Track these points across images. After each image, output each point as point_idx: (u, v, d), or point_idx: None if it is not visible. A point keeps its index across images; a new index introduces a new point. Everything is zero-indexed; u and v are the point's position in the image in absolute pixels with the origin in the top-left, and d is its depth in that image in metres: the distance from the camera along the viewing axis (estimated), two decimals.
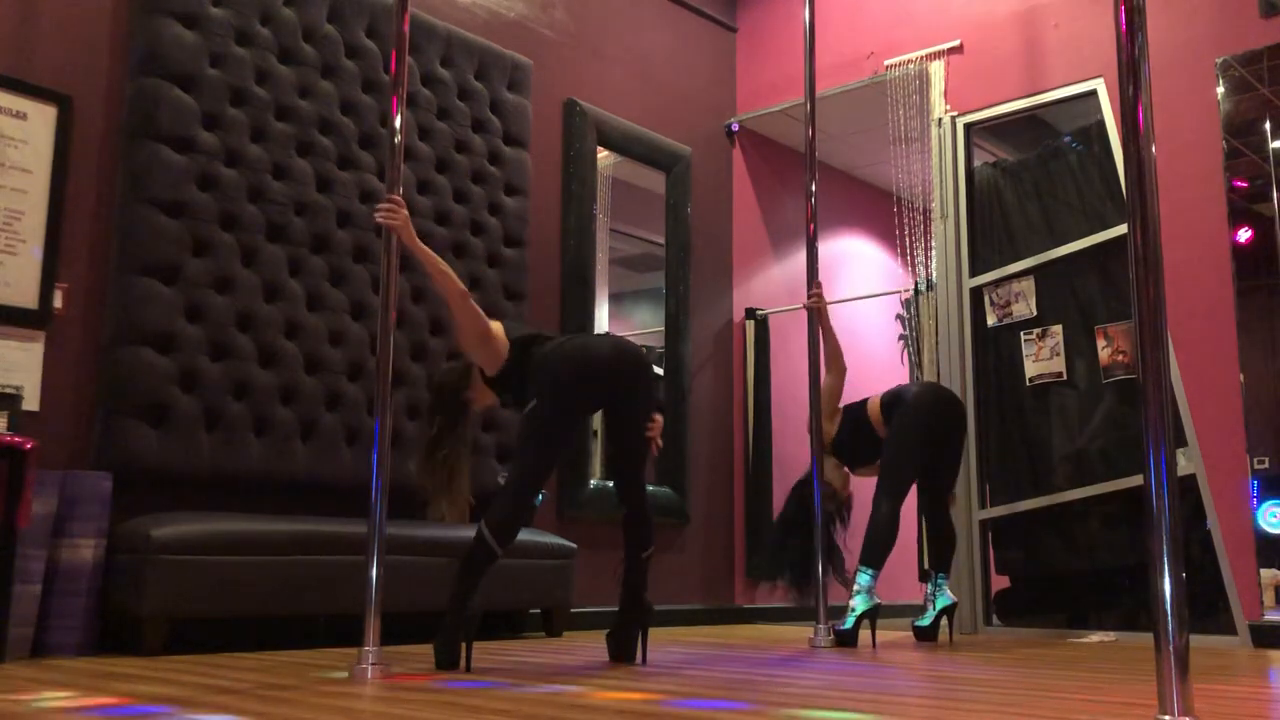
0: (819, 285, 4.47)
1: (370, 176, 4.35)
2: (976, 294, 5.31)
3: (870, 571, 4.14)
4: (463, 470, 3.25)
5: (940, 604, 4.39)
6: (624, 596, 3.30)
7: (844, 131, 6.52)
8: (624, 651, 3.27)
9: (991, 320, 5.25)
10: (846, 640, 4.09)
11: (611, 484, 3.45)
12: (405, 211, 3.11)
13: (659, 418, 3.34)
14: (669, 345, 5.86)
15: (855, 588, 4.15)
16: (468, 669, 2.91)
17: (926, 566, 4.54)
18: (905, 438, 4.34)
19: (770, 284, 6.52)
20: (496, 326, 3.27)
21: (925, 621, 4.39)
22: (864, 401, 4.53)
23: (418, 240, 3.14)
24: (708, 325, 6.14)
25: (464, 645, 2.95)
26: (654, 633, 4.80)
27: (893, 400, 4.44)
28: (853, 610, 4.11)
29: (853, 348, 6.50)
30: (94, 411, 3.62)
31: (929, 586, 4.45)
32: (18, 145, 3.55)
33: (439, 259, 3.19)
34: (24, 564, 3.14)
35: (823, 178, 4.72)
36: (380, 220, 3.09)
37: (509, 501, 3.11)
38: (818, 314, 4.46)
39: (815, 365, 4.45)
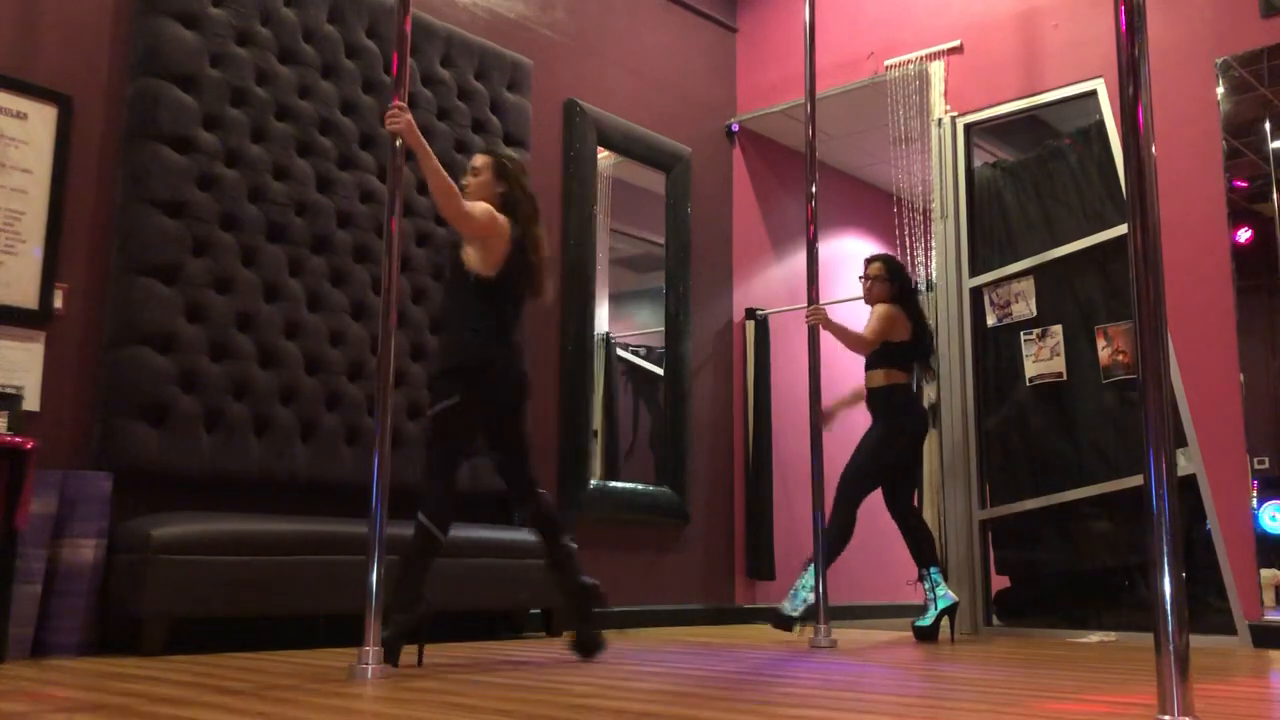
0: (817, 303, 4.47)
1: (370, 176, 4.35)
2: (976, 294, 5.31)
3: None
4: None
5: (941, 604, 4.40)
6: (566, 591, 3.35)
7: (844, 131, 6.52)
8: (592, 648, 3.29)
9: (991, 320, 5.25)
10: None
11: (507, 488, 3.50)
12: (409, 115, 3.14)
13: None
14: (669, 345, 5.86)
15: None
16: (419, 664, 3.03)
17: (920, 566, 4.56)
18: (893, 455, 4.55)
19: (770, 284, 6.51)
20: (484, 209, 3.31)
21: (926, 621, 4.40)
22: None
23: (423, 139, 3.19)
24: (708, 325, 6.13)
25: (419, 645, 3.08)
26: (654, 632, 4.81)
27: (907, 394, 4.60)
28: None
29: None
30: (94, 411, 3.61)
31: (925, 585, 4.47)
32: (18, 145, 3.55)
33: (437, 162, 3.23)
34: (24, 564, 3.15)
35: (823, 178, 4.72)
36: (389, 127, 3.12)
37: (438, 488, 3.20)
38: (824, 326, 4.46)
39: (815, 366, 4.45)
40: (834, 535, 4.39)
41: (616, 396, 5.81)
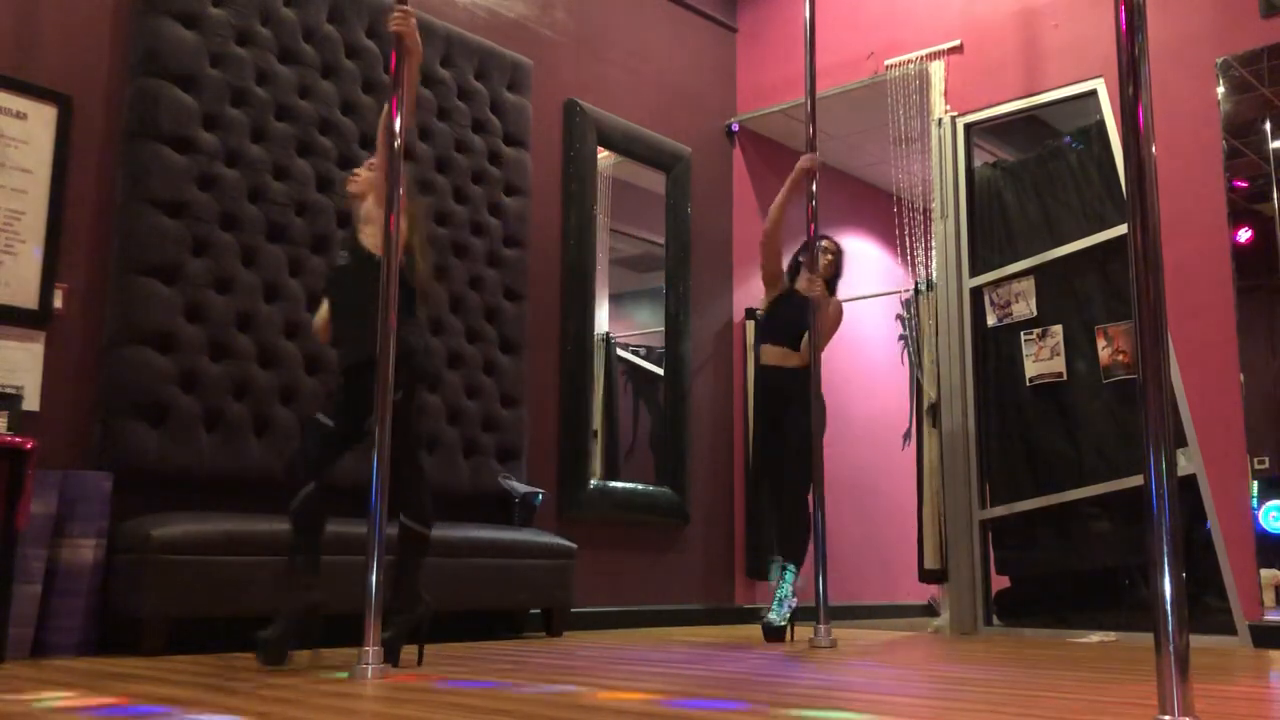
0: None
1: None
2: (976, 294, 5.31)
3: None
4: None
5: (789, 603, 4.29)
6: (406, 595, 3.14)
7: (844, 131, 6.52)
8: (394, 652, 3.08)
9: (991, 320, 5.25)
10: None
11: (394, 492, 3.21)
12: (414, 19, 3.12)
13: None
14: (669, 345, 5.86)
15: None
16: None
17: (778, 556, 4.38)
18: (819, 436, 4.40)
19: None
20: None
21: (779, 618, 4.27)
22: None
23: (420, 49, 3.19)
24: (708, 325, 6.13)
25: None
26: (655, 632, 4.81)
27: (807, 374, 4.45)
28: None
29: (853, 348, 6.52)
30: (94, 411, 3.61)
31: (782, 579, 4.31)
32: (18, 145, 3.55)
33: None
34: (24, 564, 3.15)
35: (823, 178, 4.71)
36: (394, 28, 3.09)
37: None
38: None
39: (816, 365, 4.45)
40: (804, 531, 4.31)
41: (616, 396, 5.81)
